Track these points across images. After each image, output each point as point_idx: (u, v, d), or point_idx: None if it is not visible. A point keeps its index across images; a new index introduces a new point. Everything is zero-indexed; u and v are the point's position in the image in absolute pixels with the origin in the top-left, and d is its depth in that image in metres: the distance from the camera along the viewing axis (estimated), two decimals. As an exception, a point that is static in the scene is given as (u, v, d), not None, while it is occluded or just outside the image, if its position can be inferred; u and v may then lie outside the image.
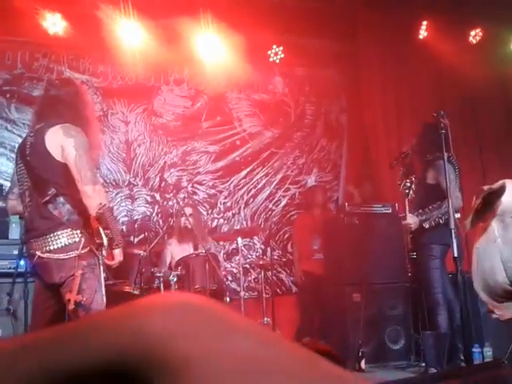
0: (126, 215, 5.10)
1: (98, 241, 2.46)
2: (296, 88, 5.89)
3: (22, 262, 3.11)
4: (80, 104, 2.64)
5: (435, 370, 3.50)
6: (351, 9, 5.51)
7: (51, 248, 2.41)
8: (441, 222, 3.62)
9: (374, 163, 5.68)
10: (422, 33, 5.69)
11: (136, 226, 5.07)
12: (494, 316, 1.50)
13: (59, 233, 2.41)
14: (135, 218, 5.12)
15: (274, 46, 5.61)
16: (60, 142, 2.44)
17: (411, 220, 3.74)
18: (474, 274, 1.56)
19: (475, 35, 5.75)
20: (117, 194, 5.10)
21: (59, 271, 2.40)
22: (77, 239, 2.42)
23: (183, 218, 4.26)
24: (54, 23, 4.85)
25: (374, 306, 4.24)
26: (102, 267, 2.49)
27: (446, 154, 3.24)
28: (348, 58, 5.77)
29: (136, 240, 4.93)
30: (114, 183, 5.11)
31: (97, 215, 2.41)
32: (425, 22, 5.65)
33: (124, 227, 5.01)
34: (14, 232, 3.75)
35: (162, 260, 4.29)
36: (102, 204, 2.41)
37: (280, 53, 5.63)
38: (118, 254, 2.53)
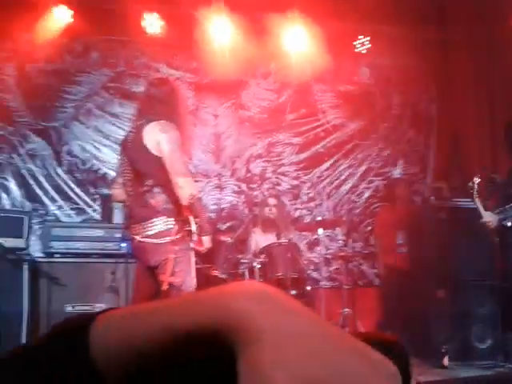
0: (214, 204, 5.39)
1: (188, 228, 2.70)
2: (383, 78, 5.79)
3: (123, 244, 3.45)
4: (175, 101, 2.86)
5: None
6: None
7: (148, 233, 2.68)
8: None
9: (464, 156, 5.45)
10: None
11: (223, 214, 5.34)
12: None
13: (155, 220, 2.67)
14: (223, 206, 5.40)
15: (361, 37, 5.55)
16: (156, 137, 2.69)
17: (489, 218, 3.65)
18: None
19: None
20: (207, 183, 5.41)
21: (155, 255, 2.66)
22: (171, 226, 2.66)
23: (267, 208, 4.42)
24: (152, 23, 5.21)
25: (460, 303, 4.13)
26: (192, 252, 2.72)
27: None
28: (437, 46, 5.56)
29: (223, 227, 5.20)
30: (204, 173, 5.42)
31: (188, 205, 2.63)
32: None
33: (213, 215, 5.32)
34: (117, 217, 4.15)
35: (247, 247, 4.50)
36: (193, 194, 2.63)
37: (366, 43, 5.56)
38: (207, 240, 2.74)
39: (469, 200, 4.40)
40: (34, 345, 0.42)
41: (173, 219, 2.67)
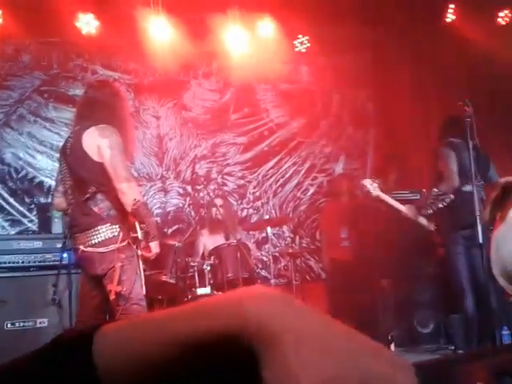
0: (159, 207, 5.31)
1: (134, 235, 2.64)
2: (322, 77, 5.92)
3: (65, 255, 3.32)
4: (116, 104, 2.78)
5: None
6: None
7: (93, 242, 2.59)
8: (440, 205, 3.66)
9: (401, 150, 5.68)
10: (450, 16, 5.60)
11: (169, 217, 5.27)
12: (513, 300, 1.59)
13: (99, 228, 2.58)
14: (168, 209, 5.32)
15: (300, 36, 5.65)
16: (96, 142, 2.60)
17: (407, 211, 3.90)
18: (492, 260, 1.64)
19: (504, 16, 5.63)
20: (150, 187, 5.31)
21: (101, 264, 2.58)
22: (115, 233, 2.59)
23: (214, 209, 4.41)
24: (87, 23, 5.02)
25: (403, 290, 4.31)
26: (139, 259, 2.66)
27: (470, 142, 3.26)
28: (374, 45, 5.76)
29: (170, 231, 5.13)
30: (147, 177, 5.32)
31: (132, 211, 2.57)
32: (452, 5, 5.56)
33: (158, 219, 5.23)
34: (57, 227, 3.98)
35: (195, 250, 4.47)
36: (136, 200, 2.57)
37: (306, 42, 5.67)
38: (155, 246, 2.69)
39: (407, 192, 4.61)
40: (36, 355, 0.41)
41: (118, 226, 2.60)
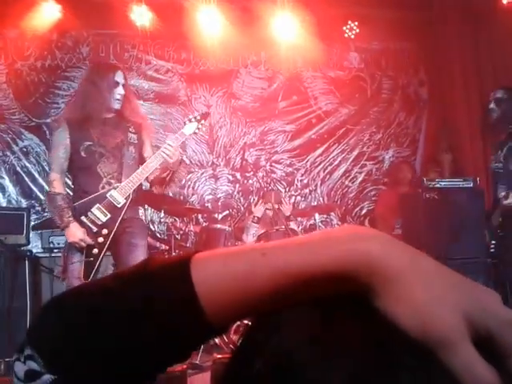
0: (210, 193, 5.45)
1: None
2: (372, 62, 5.83)
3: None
4: None
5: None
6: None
7: None
8: None
9: (455, 137, 5.53)
10: (507, -2, 5.35)
11: (219, 203, 5.41)
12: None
13: None
14: (219, 196, 5.46)
15: (349, 22, 5.58)
16: None
17: None
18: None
19: None
20: (201, 173, 5.46)
21: None
22: None
23: (269, 204, 4.38)
24: (141, 15, 5.18)
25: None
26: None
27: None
28: (425, 29, 5.59)
29: (220, 216, 5.26)
30: (198, 164, 5.47)
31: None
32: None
33: (209, 205, 5.39)
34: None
35: (244, 234, 4.56)
36: None
37: (355, 28, 5.59)
38: None
39: (461, 180, 4.50)
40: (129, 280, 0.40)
41: None
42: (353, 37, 5.61)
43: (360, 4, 5.26)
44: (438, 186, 4.48)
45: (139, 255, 2.87)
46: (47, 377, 0.37)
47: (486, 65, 5.51)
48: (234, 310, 0.38)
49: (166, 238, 4.73)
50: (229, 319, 0.39)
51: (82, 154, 2.88)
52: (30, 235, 4.10)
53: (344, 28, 5.59)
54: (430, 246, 4.27)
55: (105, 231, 2.80)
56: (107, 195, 2.82)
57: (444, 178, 4.77)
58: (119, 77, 2.99)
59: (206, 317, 0.37)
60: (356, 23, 5.55)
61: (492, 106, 3.80)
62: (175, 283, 0.38)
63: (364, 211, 5.63)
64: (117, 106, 2.97)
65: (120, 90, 2.97)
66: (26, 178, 5.11)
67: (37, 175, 5.13)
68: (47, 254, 4.10)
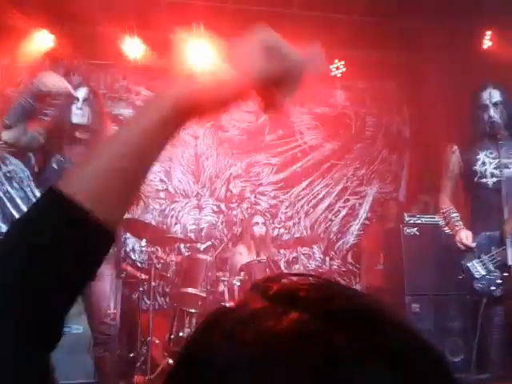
0: (193, 223, 5.45)
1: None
2: (357, 100, 6.00)
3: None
4: None
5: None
6: (411, 21, 5.54)
7: None
8: None
9: (437, 174, 5.63)
10: (486, 42, 5.58)
11: (203, 233, 5.41)
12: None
13: None
14: (202, 226, 5.46)
15: (336, 61, 5.76)
16: None
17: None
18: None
19: (545, 43, 5.56)
20: (186, 203, 5.48)
21: None
22: None
23: (256, 227, 4.44)
24: (132, 47, 5.30)
25: (433, 316, 4.23)
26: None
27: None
28: (409, 70, 5.79)
29: (203, 247, 5.26)
30: (183, 193, 5.49)
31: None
32: (489, 32, 5.54)
33: (192, 235, 5.38)
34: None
35: (226, 265, 4.55)
36: None
37: (341, 67, 5.77)
38: None
39: (434, 217, 4.54)
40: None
41: None
42: (339, 75, 5.78)
43: (346, 44, 5.44)
44: (419, 221, 4.54)
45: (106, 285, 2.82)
46: None
47: (469, 106, 5.67)
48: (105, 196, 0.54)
49: (146, 267, 4.69)
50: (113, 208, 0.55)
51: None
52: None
53: (330, 67, 5.76)
54: (412, 281, 4.30)
55: None
56: None
57: (427, 213, 4.82)
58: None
59: (89, 212, 0.50)
60: (342, 62, 5.73)
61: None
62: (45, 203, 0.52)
63: (346, 245, 5.67)
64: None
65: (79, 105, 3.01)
66: (8, 204, 5.08)
67: (19, 201, 5.10)
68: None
